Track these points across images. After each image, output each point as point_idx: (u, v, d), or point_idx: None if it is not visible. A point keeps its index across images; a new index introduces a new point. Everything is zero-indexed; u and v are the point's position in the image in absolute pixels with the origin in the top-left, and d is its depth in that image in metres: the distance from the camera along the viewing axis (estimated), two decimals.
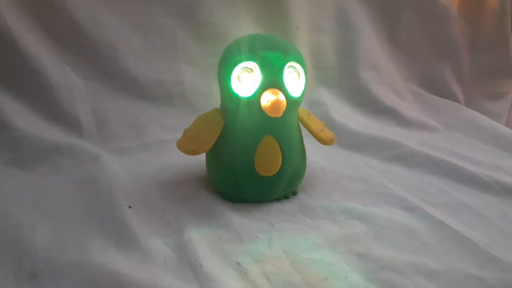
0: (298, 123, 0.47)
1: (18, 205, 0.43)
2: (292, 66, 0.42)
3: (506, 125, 0.80)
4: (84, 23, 0.58)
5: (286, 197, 0.47)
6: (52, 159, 0.51)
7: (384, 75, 0.78)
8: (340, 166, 0.56)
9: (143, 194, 0.46)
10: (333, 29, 0.76)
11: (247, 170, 0.44)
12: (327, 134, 0.49)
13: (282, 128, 0.44)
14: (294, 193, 0.48)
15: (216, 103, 0.67)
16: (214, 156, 0.46)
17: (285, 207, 0.45)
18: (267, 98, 0.40)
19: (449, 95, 0.82)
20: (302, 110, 0.48)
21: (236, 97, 0.42)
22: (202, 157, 0.49)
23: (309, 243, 0.38)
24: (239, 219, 0.42)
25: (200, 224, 0.41)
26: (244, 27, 0.68)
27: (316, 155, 0.51)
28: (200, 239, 0.39)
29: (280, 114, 0.40)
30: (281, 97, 0.40)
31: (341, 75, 0.76)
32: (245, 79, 0.41)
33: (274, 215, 0.44)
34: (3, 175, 0.49)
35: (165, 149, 0.58)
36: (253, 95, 0.41)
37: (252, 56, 0.41)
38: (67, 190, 0.46)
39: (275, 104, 0.40)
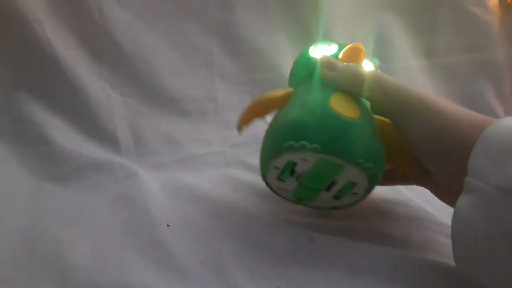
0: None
1: (57, 221, 0.43)
2: None
3: None
4: (123, 41, 0.59)
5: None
6: (91, 175, 0.52)
7: None
8: (378, 188, 0.54)
9: (180, 211, 0.46)
10: (369, 45, 0.75)
11: (323, 109, 0.35)
12: None
13: None
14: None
15: None
16: (279, 115, 0.39)
17: (324, 225, 0.44)
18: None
19: (489, 114, 0.79)
20: None
21: (313, 60, 0.41)
22: (236, 173, 0.48)
23: (349, 270, 0.37)
24: (276, 234, 0.41)
25: (238, 243, 0.40)
26: (280, 43, 0.68)
27: None
28: (239, 260, 0.38)
29: None
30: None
31: None
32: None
33: (314, 229, 0.42)
34: (42, 191, 0.49)
35: (199, 164, 0.58)
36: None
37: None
38: (105, 207, 0.46)
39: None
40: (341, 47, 0.41)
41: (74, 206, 0.46)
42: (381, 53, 0.75)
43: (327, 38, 0.69)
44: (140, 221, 0.43)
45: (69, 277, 0.35)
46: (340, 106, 0.35)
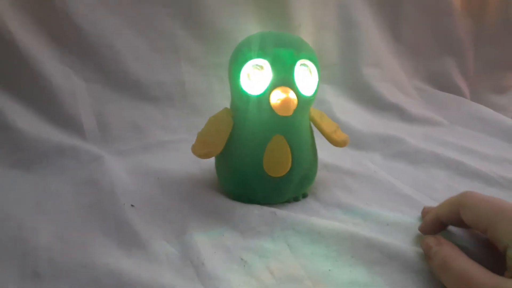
0: (309, 123, 0.45)
1: (20, 206, 0.43)
2: (304, 64, 0.40)
3: None
4: (85, 25, 0.58)
5: (295, 199, 0.45)
6: (55, 160, 0.51)
7: (387, 71, 0.78)
8: (343, 163, 0.55)
9: (145, 193, 0.46)
10: (335, 26, 0.76)
11: (255, 170, 0.42)
12: (340, 135, 0.47)
13: (292, 128, 0.42)
14: (304, 195, 0.46)
15: (217, 103, 0.67)
16: (223, 156, 0.44)
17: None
18: (277, 96, 0.39)
19: (454, 90, 0.82)
20: (314, 111, 0.46)
21: (246, 95, 0.40)
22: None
23: (312, 236, 0.38)
24: (240, 210, 0.42)
25: (202, 221, 0.41)
26: (245, 25, 0.67)
27: (320, 152, 0.51)
28: (202, 236, 0.38)
29: (290, 113, 0.39)
30: (292, 95, 0.39)
31: (344, 72, 0.75)
32: (255, 77, 0.40)
33: (277, 205, 0.44)
34: (5, 177, 0.49)
35: (166, 150, 0.58)
36: (263, 93, 0.39)
37: (262, 53, 0.39)
38: (69, 190, 0.46)
39: (285, 103, 0.39)
40: (274, 69, 0.39)
41: (38, 190, 0.46)
42: (347, 34, 0.76)
43: (293, 20, 0.70)
44: (105, 203, 0.43)
45: (31, 258, 0.35)
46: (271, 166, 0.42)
